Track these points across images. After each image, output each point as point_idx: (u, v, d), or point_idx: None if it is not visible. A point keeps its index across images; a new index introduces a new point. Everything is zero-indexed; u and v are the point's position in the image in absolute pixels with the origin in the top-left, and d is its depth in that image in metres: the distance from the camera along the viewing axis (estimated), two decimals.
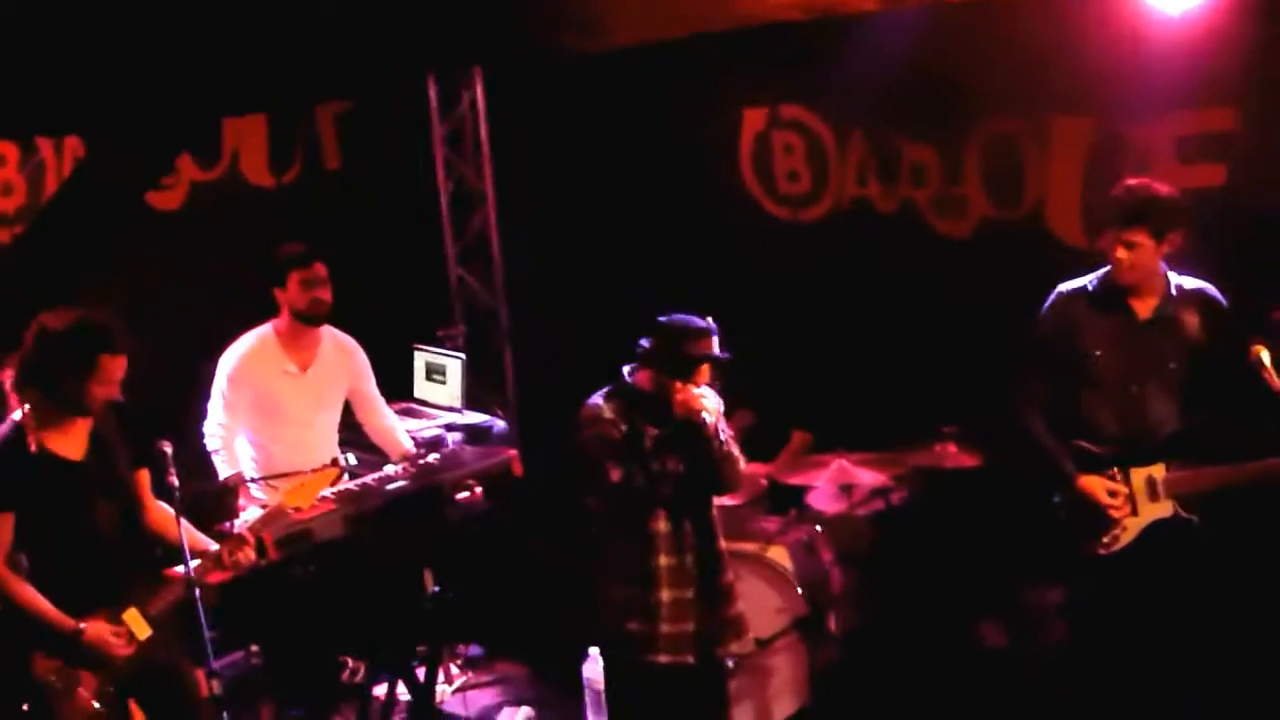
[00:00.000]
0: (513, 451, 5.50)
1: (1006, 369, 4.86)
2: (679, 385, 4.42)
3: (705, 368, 4.48)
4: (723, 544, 4.72)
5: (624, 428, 4.46)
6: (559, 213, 7.66)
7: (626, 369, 4.62)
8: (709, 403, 4.46)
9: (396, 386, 6.87)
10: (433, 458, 5.40)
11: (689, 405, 4.40)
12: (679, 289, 4.77)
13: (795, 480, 6.17)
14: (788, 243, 6.98)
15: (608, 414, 4.50)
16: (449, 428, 6.98)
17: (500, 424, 7.27)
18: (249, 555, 4.55)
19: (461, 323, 7.83)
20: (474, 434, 7.01)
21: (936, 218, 6.59)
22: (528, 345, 7.87)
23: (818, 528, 5.99)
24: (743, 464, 4.58)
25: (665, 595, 4.55)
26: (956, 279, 6.37)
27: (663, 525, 4.57)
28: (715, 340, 4.49)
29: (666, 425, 4.42)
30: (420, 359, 7.40)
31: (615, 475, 4.41)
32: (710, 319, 4.51)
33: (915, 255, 6.55)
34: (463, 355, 7.28)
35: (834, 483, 6.00)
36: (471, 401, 7.28)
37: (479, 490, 5.23)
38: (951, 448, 5.83)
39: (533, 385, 7.85)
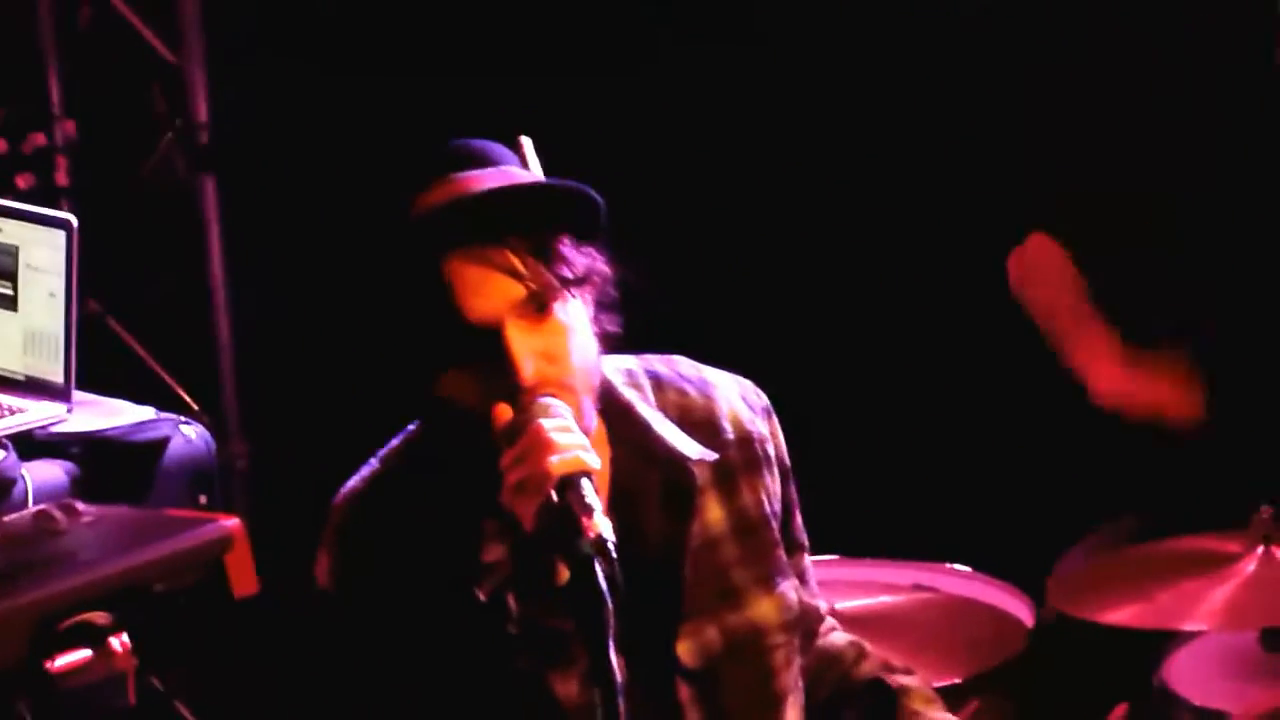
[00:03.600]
0: (229, 521, 4.71)
1: None
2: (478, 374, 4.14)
3: (474, 277, 4.06)
4: None
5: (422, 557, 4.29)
6: None
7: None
8: (587, 457, 4.17)
9: None
10: None
11: (528, 465, 4.11)
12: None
13: (1114, 618, 5.41)
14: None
15: (353, 535, 4.32)
16: (33, 442, 6.74)
17: (194, 432, 7.04)
18: None
19: (69, 119, 7.79)
20: (110, 460, 6.75)
21: None
22: (276, 209, 7.64)
23: None
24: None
25: None
26: None
27: None
28: (495, 171, 4.19)
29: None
30: None
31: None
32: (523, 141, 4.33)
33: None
34: (70, 218, 6.96)
35: (1237, 622, 5.57)
36: (96, 370, 7.06)
37: (121, 641, 4.29)
38: None
39: (290, 324, 7.75)
